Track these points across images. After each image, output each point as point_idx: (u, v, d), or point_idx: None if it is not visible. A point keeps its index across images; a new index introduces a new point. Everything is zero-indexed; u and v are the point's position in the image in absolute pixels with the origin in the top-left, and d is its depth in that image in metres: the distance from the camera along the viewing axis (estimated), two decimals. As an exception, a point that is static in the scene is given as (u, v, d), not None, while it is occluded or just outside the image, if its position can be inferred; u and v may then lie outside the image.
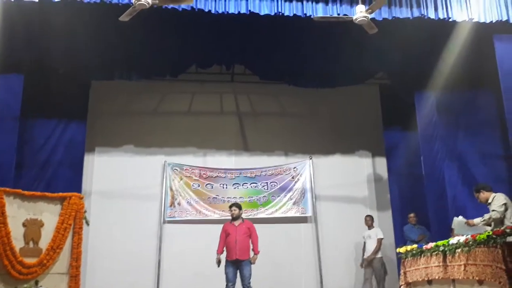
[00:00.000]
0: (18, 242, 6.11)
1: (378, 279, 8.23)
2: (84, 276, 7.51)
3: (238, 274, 6.86)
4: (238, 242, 6.85)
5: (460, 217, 6.34)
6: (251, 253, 6.96)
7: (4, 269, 5.89)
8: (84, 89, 8.55)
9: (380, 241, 8.33)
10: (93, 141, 8.78)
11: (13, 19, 6.52)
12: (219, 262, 6.85)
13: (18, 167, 7.34)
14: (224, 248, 6.98)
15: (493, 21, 6.63)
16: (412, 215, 8.29)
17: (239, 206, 7.24)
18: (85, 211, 6.84)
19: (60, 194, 6.67)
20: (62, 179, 7.72)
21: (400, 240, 8.28)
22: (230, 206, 7.25)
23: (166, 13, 6.33)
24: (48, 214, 6.48)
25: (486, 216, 5.82)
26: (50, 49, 7.23)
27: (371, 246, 8.32)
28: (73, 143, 8.10)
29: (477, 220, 6.02)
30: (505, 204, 5.68)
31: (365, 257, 8.38)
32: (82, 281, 6.92)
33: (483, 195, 6.01)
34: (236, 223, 7.07)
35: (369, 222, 8.56)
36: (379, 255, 8.28)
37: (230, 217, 7.23)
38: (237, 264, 6.83)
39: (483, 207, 6.32)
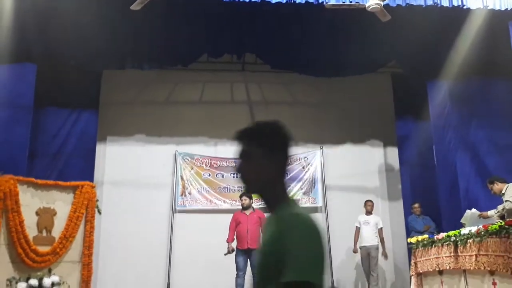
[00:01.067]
0: (31, 231, 6.19)
1: (373, 267, 7.90)
2: (96, 264, 7.61)
3: (248, 263, 6.91)
4: (249, 231, 6.88)
5: (473, 210, 6.28)
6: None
7: (18, 257, 5.97)
8: (95, 79, 8.58)
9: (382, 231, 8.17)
10: (104, 131, 8.83)
11: (25, 9, 6.56)
12: (232, 250, 6.90)
13: (31, 156, 7.43)
14: (235, 237, 7.03)
15: (509, 9, 6.50)
16: (416, 205, 8.23)
17: (249, 196, 7.22)
18: (97, 200, 6.90)
19: (73, 183, 6.73)
20: (74, 168, 7.78)
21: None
22: (241, 196, 7.27)
23: (177, 2, 6.33)
24: (61, 203, 6.55)
25: (500, 207, 5.79)
26: (62, 39, 7.24)
27: (368, 233, 8.05)
28: (85, 132, 8.17)
29: (491, 212, 5.98)
30: None
31: (363, 244, 8.01)
32: (95, 269, 7.01)
33: (497, 186, 5.97)
34: (247, 212, 7.11)
35: (370, 208, 8.26)
36: (376, 243, 8.03)
37: (240, 207, 7.26)
38: (248, 253, 6.87)
39: (496, 198, 6.27)
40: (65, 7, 6.56)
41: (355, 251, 8.20)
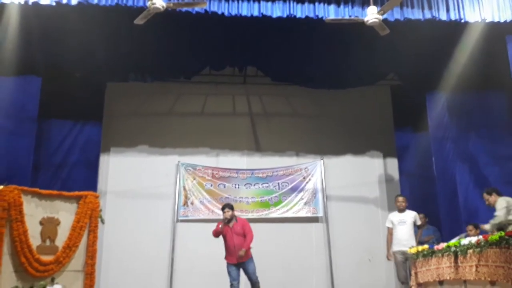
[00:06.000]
0: (35, 240, 6.20)
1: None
2: (99, 273, 7.65)
3: (242, 271, 6.84)
4: (236, 247, 6.72)
5: None
6: (251, 252, 6.83)
7: (21, 266, 5.98)
8: (99, 90, 8.70)
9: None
10: (108, 142, 8.92)
11: (31, 22, 6.66)
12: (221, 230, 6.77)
13: (36, 167, 7.50)
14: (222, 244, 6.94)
15: (507, 21, 6.61)
16: (420, 216, 8.21)
17: (231, 207, 7.01)
18: (100, 210, 6.94)
19: (76, 193, 6.75)
20: (78, 179, 7.85)
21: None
22: (223, 208, 6.98)
23: (180, 16, 6.43)
24: (65, 213, 6.56)
25: (491, 221, 6.00)
26: (67, 52, 7.34)
27: (404, 234, 7.02)
28: (89, 143, 8.25)
29: (487, 226, 6.17)
30: (506, 207, 5.89)
31: (399, 248, 6.96)
32: (97, 279, 7.05)
33: (494, 198, 6.17)
34: (231, 224, 6.87)
35: (401, 204, 7.24)
36: (415, 245, 6.88)
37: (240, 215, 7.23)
38: (238, 265, 6.79)
39: (495, 209, 6.37)
40: (70, 21, 6.66)
41: (389, 258, 7.31)
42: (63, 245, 6.41)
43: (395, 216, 7.33)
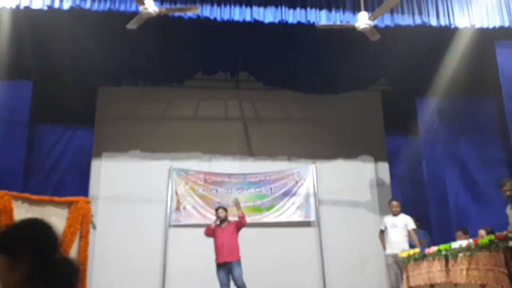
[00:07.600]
0: (26, 246, 6.16)
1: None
2: (91, 280, 7.58)
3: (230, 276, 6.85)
4: (225, 245, 6.81)
5: None
6: (239, 255, 6.90)
7: (12, 273, 5.94)
8: (91, 95, 8.67)
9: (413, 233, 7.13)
10: (100, 147, 8.88)
11: (23, 26, 6.64)
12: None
13: (26, 172, 7.44)
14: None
15: (496, 27, 6.70)
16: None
17: (225, 209, 7.21)
18: (92, 216, 6.90)
19: (68, 198, 6.71)
20: (69, 184, 7.80)
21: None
22: (217, 209, 7.20)
23: (173, 21, 6.45)
24: (56, 218, 6.50)
25: None
26: (58, 56, 7.32)
27: (396, 238, 7.05)
28: (81, 148, 8.21)
29: None
30: None
31: (392, 251, 6.99)
32: (89, 285, 6.99)
33: None
34: (223, 225, 7.03)
35: (395, 208, 7.23)
36: (407, 248, 6.83)
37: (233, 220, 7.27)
38: (227, 267, 6.80)
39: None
40: (62, 25, 6.65)
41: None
42: (54, 251, 6.36)
43: (389, 219, 7.39)
